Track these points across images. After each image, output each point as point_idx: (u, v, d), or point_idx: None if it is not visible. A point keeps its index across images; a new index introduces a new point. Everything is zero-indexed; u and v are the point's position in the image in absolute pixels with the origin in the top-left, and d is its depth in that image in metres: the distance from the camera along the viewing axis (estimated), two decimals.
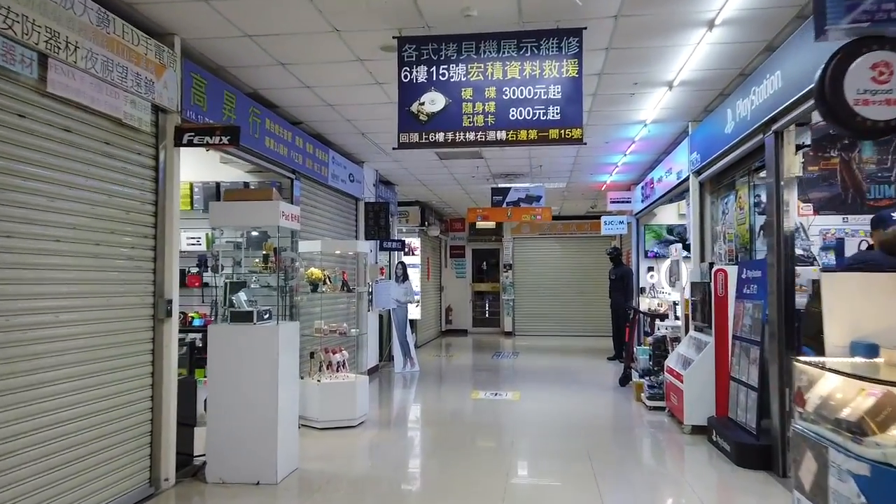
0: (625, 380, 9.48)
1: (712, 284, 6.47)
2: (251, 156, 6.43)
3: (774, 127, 5.16)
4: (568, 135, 4.65)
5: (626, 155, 9.63)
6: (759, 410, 5.48)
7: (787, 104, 4.83)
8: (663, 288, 12.07)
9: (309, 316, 7.61)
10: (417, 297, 13.30)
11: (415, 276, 13.27)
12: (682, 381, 6.58)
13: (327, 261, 8.18)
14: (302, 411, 6.85)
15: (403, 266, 11.26)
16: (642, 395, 8.13)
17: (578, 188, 13.01)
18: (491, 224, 18.69)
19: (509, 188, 11.89)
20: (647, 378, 8.23)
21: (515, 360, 12.81)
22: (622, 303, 12.30)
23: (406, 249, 13.29)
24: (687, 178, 8.00)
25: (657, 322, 10.65)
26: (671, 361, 7.42)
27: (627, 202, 12.55)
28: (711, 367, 6.39)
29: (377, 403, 8.47)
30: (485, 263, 19.39)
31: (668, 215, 12.43)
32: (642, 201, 11.40)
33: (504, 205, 11.78)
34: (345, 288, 7.05)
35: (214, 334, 5.14)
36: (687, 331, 7.58)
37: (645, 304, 12.35)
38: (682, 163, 8.20)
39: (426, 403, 8.86)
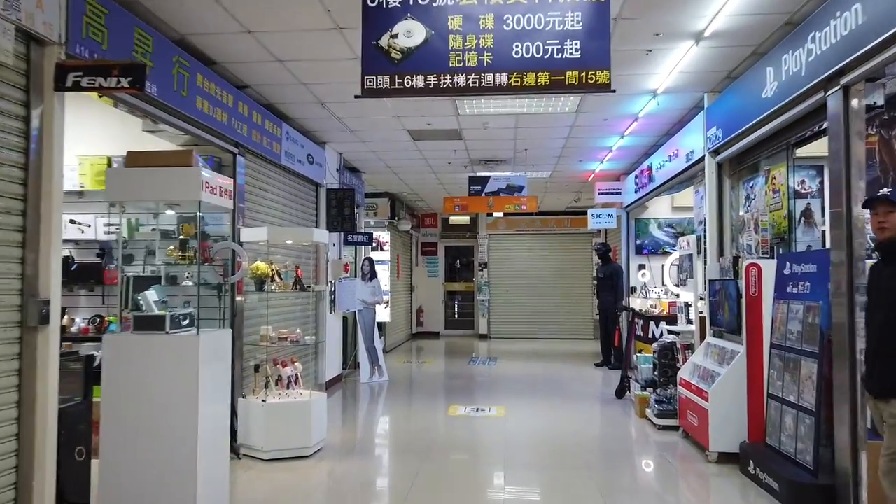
0: (622, 391, 8.37)
1: (743, 282, 5.36)
2: (179, 119, 5.11)
3: (843, 81, 4.06)
4: (590, 79, 3.47)
5: (623, 137, 8.52)
6: (816, 439, 4.38)
7: (866, 49, 3.73)
8: (657, 287, 11.04)
9: (259, 320, 6.31)
10: (387, 298, 12.05)
11: (384, 274, 12.01)
12: (706, 399, 5.46)
13: (281, 254, 6.90)
14: (244, 438, 5.57)
15: (371, 262, 10.00)
16: (647, 410, 7.02)
17: (563, 178, 11.90)
18: (465, 219, 17.52)
19: (488, 177, 10.71)
20: (654, 391, 7.12)
21: (494, 366, 11.63)
22: (612, 304, 11.21)
23: (375, 244, 12.03)
24: (699, 161, 6.91)
25: (654, 325, 9.60)
26: (685, 373, 6.31)
27: (617, 193, 11.48)
28: (742, 381, 5.29)
29: (339, 423, 7.20)
30: (458, 261, 18.22)
31: (661, 208, 11.43)
32: (636, 192, 10.32)
33: (483, 195, 10.60)
34: (297, 286, 5.77)
35: (112, 346, 3.84)
36: (703, 337, 6.48)
37: (636, 305, 11.29)
38: (692, 143, 7.11)
39: (397, 423, 7.61)
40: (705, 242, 6.81)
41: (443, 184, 12.30)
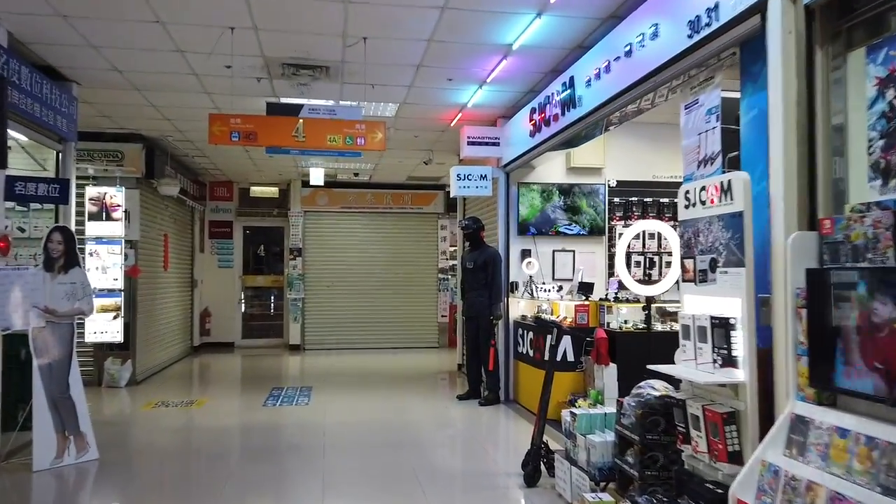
0: (534, 473, 4.61)
1: None
2: None
3: None
4: None
5: (541, 14, 4.76)
6: None
7: None
8: (545, 283, 7.56)
9: None
10: (107, 302, 7.16)
11: (113, 259, 7.16)
12: None
13: None
14: None
15: (66, 238, 5.27)
16: None
17: (416, 119, 7.96)
18: (273, 191, 13.03)
19: (300, 106, 6.53)
20: (626, 497, 3.45)
21: (305, 405, 7.40)
22: (485, 307, 7.52)
23: (100, 208, 7.20)
24: (731, 26, 3.33)
25: (551, 338, 6.13)
26: (747, 494, 2.65)
27: (494, 144, 7.80)
28: None
29: None
30: (263, 247, 13.65)
31: (551, 170, 7.96)
32: (531, 136, 6.67)
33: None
34: None
35: None
36: (767, 400, 2.88)
37: (520, 309, 7.73)
38: None
39: None
40: (726, 192, 3.18)
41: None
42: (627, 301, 6.30)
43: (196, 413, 7.06)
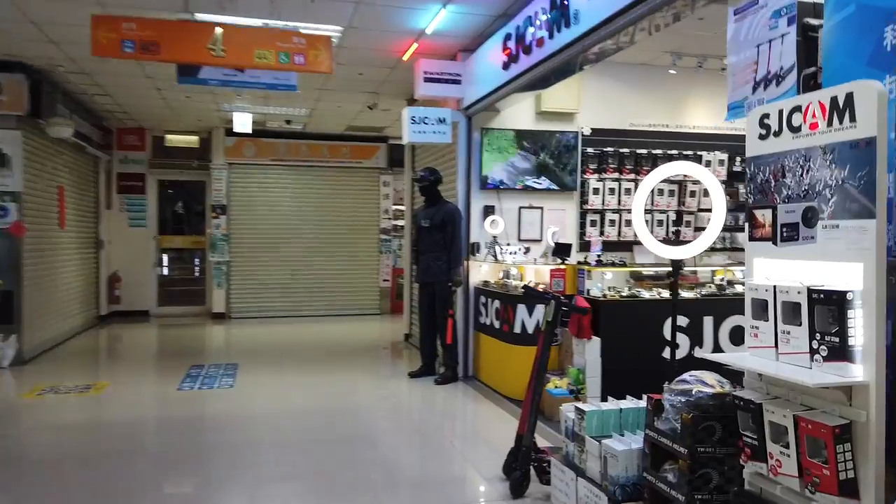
0: (522, 480, 3.68)
1: None
2: None
3: None
4: None
5: None
6: None
7: None
8: (510, 244, 6.62)
9: None
10: None
11: None
12: None
13: None
14: None
15: None
16: None
17: (363, 49, 6.72)
18: (192, 140, 11.50)
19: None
20: None
21: (229, 388, 6.23)
22: (443, 271, 6.52)
23: None
24: None
25: (524, 309, 5.15)
26: None
27: (455, 82, 6.69)
28: None
29: None
30: (181, 205, 12.14)
31: (518, 115, 6.92)
32: (505, 68, 5.59)
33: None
34: None
35: None
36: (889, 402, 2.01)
37: (482, 273, 6.78)
38: None
39: None
40: (841, 111, 2.23)
41: None
42: (613, 265, 5.45)
43: (93, 401, 5.79)
